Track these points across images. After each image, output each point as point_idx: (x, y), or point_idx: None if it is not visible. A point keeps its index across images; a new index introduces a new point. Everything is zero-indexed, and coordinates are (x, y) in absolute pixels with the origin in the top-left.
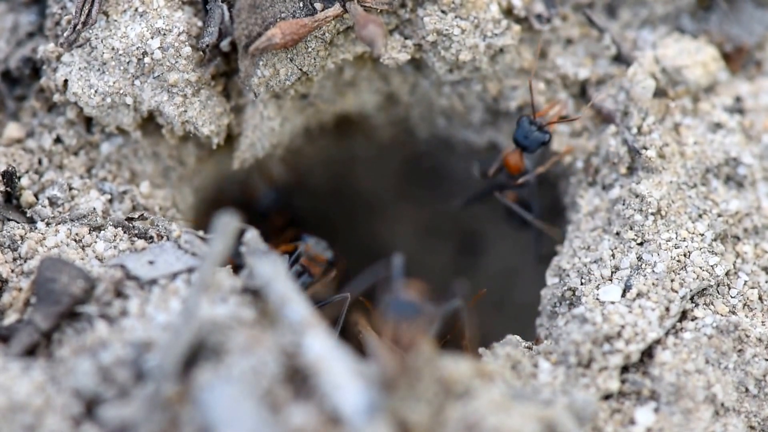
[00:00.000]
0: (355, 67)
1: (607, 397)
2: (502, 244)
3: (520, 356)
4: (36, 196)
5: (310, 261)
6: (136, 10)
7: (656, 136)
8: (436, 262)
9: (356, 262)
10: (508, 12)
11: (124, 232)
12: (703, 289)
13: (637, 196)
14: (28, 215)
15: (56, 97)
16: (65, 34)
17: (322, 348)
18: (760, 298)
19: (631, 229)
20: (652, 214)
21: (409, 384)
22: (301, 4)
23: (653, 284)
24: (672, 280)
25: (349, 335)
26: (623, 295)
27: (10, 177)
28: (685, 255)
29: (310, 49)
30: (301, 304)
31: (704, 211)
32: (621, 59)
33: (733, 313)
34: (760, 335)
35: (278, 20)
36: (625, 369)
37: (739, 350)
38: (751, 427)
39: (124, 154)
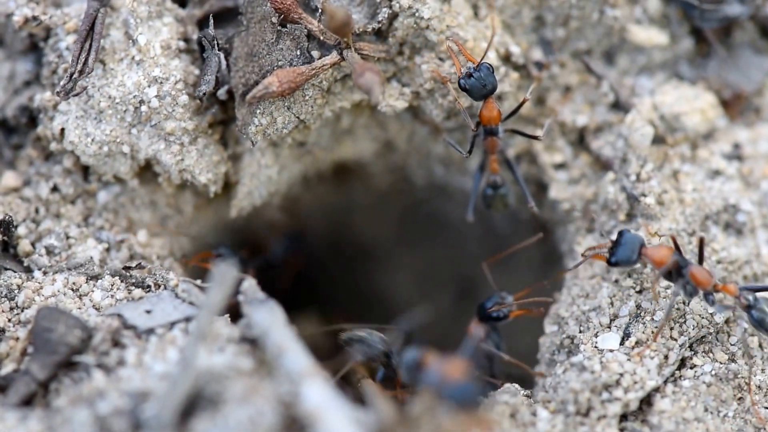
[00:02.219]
0: (353, 115)
1: None
2: None
3: (518, 405)
4: (33, 245)
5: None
6: (133, 58)
7: (655, 183)
8: (435, 309)
9: (356, 310)
10: (506, 59)
11: (122, 281)
12: (702, 337)
13: None
14: (25, 264)
15: (53, 146)
16: (62, 83)
17: (320, 397)
18: (760, 345)
19: (629, 276)
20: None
21: None
22: (298, 52)
23: (652, 332)
24: (671, 328)
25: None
26: (622, 343)
27: (6, 226)
28: (684, 303)
29: (307, 97)
30: (299, 354)
31: (703, 258)
32: (619, 106)
33: (733, 360)
34: (759, 383)
35: (275, 68)
36: (623, 417)
37: (739, 398)
38: None
39: (121, 202)
